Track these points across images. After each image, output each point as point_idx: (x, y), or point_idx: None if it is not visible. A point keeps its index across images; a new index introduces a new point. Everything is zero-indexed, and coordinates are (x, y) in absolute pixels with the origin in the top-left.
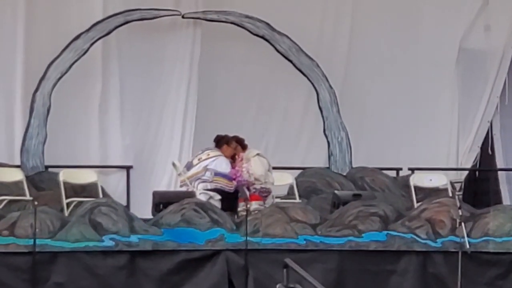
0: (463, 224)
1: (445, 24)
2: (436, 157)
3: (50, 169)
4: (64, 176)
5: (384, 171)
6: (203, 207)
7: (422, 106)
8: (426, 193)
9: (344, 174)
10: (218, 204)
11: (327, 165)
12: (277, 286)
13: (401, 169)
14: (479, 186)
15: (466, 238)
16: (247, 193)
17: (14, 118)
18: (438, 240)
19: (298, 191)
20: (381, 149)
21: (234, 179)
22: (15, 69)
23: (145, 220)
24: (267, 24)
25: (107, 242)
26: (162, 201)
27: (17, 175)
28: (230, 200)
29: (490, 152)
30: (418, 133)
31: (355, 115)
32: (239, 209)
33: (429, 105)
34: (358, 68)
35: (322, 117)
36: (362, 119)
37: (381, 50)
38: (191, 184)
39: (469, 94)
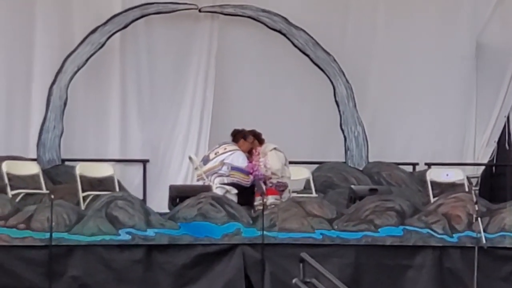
0: (479, 219)
1: (462, 19)
2: (453, 152)
3: (66, 163)
4: (81, 169)
5: (401, 166)
6: (220, 201)
7: (438, 101)
8: (442, 188)
9: (361, 168)
10: (234, 198)
11: (344, 160)
12: (294, 280)
13: (417, 164)
14: (495, 181)
15: (482, 233)
16: (264, 187)
17: (31, 112)
18: (454, 235)
19: (314, 185)
20: (398, 144)
21: (251, 173)
22: (32, 62)
23: (162, 214)
24: (284, 18)
25: (124, 236)
26: (178, 195)
27: (33, 169)
28: (246, 194)
29: (507, 147)
30: (435, 128)
31: (371, 109)
32: (255, 203)
33: (446, 100)
34: (375, 63)
35: (339, 111)
36: (378, 113)
37: (398, 45)
38: (207, 178)
39: (486, 89)
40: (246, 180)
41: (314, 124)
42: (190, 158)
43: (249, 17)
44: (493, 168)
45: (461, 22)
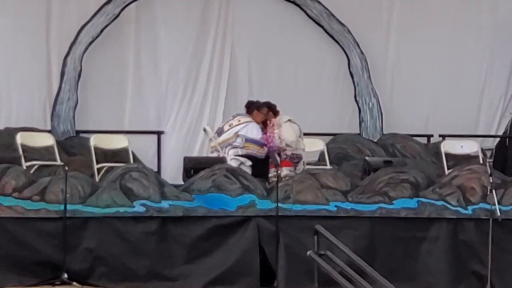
0: (494, 191)
1: None
2: (467, 123)
3: (81, 134)
4: (95, 141)
5: (415, 138)
6: (234, 173)
7: (453, 72)
8: (457, 160)
9: (375, 140)
10: (249, 170)
11: (358, 132)
12: (308, 252)
13: (432, 135)
14: (509, 153)
15: (497, 205)
16: (278, 159)
17: (46, 83)
18: (469, 207)
19: (329, 157)
20: (412, 116)
21: (265, 145)
22: (48, 34)
23: (176, 186)
24: None
25: (138, 208)
26: (193, 167)
27: (48, 140)
28: (261, 166)
29: None
30: (450, 99)
31: (386, 81)
32: (270, 175)
33: (461, 72)
34: (390, 34)
35: (353, 83)
36: (393, 85)
37: (414, 16)
38: (222, 150)
39: (502, 61)
40: (260, 152)
41: (329, 95)
42: (204, 130)
43: None
44: (507, 140)
45: None
